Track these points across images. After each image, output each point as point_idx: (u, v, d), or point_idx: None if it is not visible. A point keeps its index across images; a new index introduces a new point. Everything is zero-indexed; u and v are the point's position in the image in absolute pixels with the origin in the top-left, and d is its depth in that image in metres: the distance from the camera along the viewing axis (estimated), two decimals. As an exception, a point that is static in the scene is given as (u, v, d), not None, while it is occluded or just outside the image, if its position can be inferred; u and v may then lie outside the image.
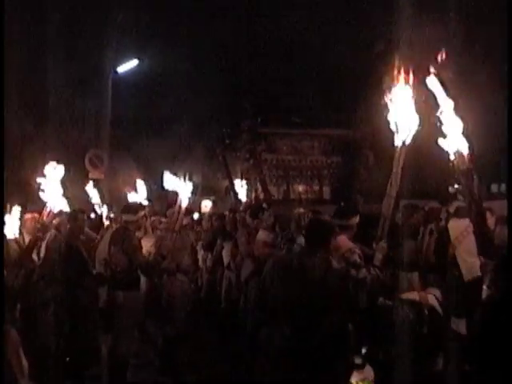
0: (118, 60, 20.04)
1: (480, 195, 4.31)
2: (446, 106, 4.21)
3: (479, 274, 5.99)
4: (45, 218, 7.71)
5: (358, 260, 5.70)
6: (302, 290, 5.08)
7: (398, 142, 5.09)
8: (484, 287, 4.24)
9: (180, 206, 8.38)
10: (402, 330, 4.94)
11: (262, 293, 5.70)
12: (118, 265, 7.78)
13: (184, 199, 8.34)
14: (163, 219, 9.71)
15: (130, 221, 8.04)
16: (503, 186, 18.63)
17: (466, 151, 4.10)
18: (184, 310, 8.87)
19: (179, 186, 8.45)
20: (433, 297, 5.55)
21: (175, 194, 8.62)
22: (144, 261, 7.87)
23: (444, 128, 4.14)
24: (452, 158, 4.12)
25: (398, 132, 5.04)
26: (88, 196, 11.80)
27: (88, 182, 12.22)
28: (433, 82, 4.27)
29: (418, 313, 5.24)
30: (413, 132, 5.03)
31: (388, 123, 5.06)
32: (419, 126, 4.96)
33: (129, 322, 7.79)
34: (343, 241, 5.98)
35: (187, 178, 8.36)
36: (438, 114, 4.19)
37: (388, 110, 5.03)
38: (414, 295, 5.57)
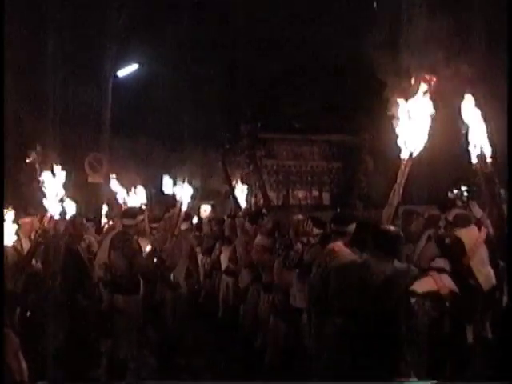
0: (118, 64, 20.06)
1: (501, 200, 4.32)
2: (470, 109, 4.21)
3: (495, 282, 6.04)
4: (46, 223, 7.74)
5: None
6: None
7: (404, 155, 5.13)
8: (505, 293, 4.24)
9: (180, 210, 8.39)
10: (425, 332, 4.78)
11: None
12: (118, 269, 7.79)
13: (184, 203, 8.35)
14: (154, 224, 9.62)
15: (129, 225, 8.06)
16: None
17: (489, 155, 4.11)
18: (181, 314, 8.89)
19: (178, 189, 8.46)
20: (447, 276, 5.36)
21: (174, 198, 8.64)
22: (144, 265, 7.87)
23: (467, 131, 4.15)
24: (474, 161, 4.12)
25: (406, 145, 5.08)
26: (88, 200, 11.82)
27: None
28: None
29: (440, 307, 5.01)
30: (422, 146, 5.07)
31: (394, 133, 5.10)
32: (428, 139, 5.00)
33: (129, 326, 7.79)
34: (339, 247, 5.98)
35: (186, 181, 8.37)
36: (463, 119, 4.19)
37: (397, 122, 5.06)
38: (429, 282, 5.43)
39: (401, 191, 5.20)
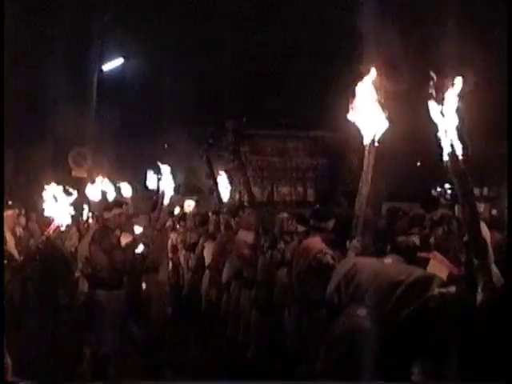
0: (104, 58, 19.97)
1: (474, 198, 4.29)
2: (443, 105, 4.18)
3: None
4: (51, 232, 7.81)
5: (331, 261, 5.68)
6: None
7: (366, 141, 5.11)
8: (479, 290, 4.18)
9: (162, 204, 8.36)
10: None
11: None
12: (97, 263, 7.77)
13: (165, 196, 8.30)
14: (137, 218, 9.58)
15: (109, 218, 8.05)
16: (485, 190, 18.79)
17: (460, 152, 4.08)
18: (164, 310, 8.88)
19: (161, 183, 8.42)
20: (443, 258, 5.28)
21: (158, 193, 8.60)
22: (122, 259, 7.84)
23: (438, 127, 4.13)
24: (446, 158, 4.09)
25: (364, 130, 5.07)
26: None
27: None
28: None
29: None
30: (381, 131, 5.05)
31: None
32: (388, 124, 4.98)
33: (111, 322, 7.76)
34: (315, 242, 5.98)
35: (168, 174, 8.32)
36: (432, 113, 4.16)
37: (354, 108, 5.05)
38: (437, 267, 5.09)
39: (369, 179, 5.14)
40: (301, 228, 7.22)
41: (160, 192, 8.43)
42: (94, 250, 7.84)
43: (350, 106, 5.09)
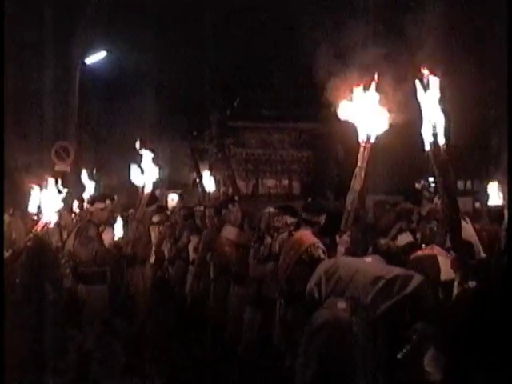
0: (87, 52, 19.83)
1: (455, 189, 4.29)
2: (426, 97, 4.16)
3: None
4: (39, 229, 7.77)
5: (322, 255, 5.68)
6: None
7: (362, 137, 5.11)
8: (455, 284, 4.16)
9: (142, 193, 8.28)
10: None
11: None
12: (78, 257, 7.73)
13: (146, 186, 8.22)
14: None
15: (93, 212, 8.01)
16: (468, 184, 18.86)
17: (442, 142, 4.05)
18: (148, 304, 8.82)
19: (144, 177, 8.34)
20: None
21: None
22: (102, 253, 7.78)
23: (422, 118, 4.10)
24: (427, 148, 4.07)
25: (362, 128, 5.08)
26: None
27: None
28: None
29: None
30: (378, 129, 5.06)
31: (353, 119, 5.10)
32: (386, 123, 5.00)
33: (94, 317, 7.71)
34: (307, 236, 5.95)
35: (150, 166, 8.24)
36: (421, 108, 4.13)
37: (353, 106, 5.06)
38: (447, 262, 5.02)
39: (362, 175, 5.19)
40: (289, 219, 7.18)
41: (142, 185, 8.35)
42: (75, 244, 7.81)
43: (343, 103, 5.09)
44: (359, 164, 5.19)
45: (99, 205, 8.07)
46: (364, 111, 5.06)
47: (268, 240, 7.38)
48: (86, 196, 10.30)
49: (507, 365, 3.66)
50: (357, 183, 5.22)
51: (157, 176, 8.24)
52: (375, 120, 5.06)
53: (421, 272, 4.42)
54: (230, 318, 8.16)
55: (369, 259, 5.04)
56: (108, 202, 8.33)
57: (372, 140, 5.13)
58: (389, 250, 5.27)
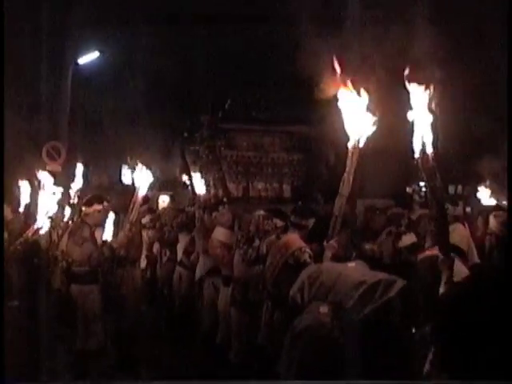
0: (79, 52, 19.81)
1: (443, 195, 4.31)
2: (416, 102, 4.19)
3: None
4: (30, 234, 7.79)
5: (309, 259, 5.70)
6: None
7: (351, 143, 5.13)
8: (442, 283, 4.20)
9: (136, 196, 8.30)
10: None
11: None
12: (70, 256, 7.75)
13: (140, 189, 8.25)
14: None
15: (87, 213, 8.01)
16: (459, 188, 18.94)
17: (430, 149, 4.10)
18: (137, 304, 8.85)
19: (135, 177, 8.36)
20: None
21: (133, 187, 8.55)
22: (94, 253, 7.81)
23: (411, 125, 4.14)
24: (416, 155, 4.11)
25: (350, 132, 5.09)
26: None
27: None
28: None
29: None
30: (366, 134, 5.08)
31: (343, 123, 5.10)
32: (373, 128, 5.02)
33: (85, 316, 7.73)
34: (294, 239, 5.98)
35: (143, 168, 8.27)
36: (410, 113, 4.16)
37: (341, 112, 5.06)
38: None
39: (351, 180, 5.18)
40: (279, 223, 7.22)
41: (134, 187, 8.38)
42: (68, 244, 7.87)
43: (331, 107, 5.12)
44: (347, 169, 5.19)
45: (97, 206, 8.11)
46: (351, 115, 5.06)
47: (257, 242, 7.42)
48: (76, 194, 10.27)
49: (500, 365, 3.73)
50: (345, 188, 5.21)
51: (151, 180, 8.30)
52: (363, 124, 5.06)
53: (434, 271, 4.47)
54: (219, 319, 8.21)
55: (352, 264, 5.06)
56: (105, 203, 8.37)
57: (360, 145, 5.12)
58: (373, 255, 5.32)
